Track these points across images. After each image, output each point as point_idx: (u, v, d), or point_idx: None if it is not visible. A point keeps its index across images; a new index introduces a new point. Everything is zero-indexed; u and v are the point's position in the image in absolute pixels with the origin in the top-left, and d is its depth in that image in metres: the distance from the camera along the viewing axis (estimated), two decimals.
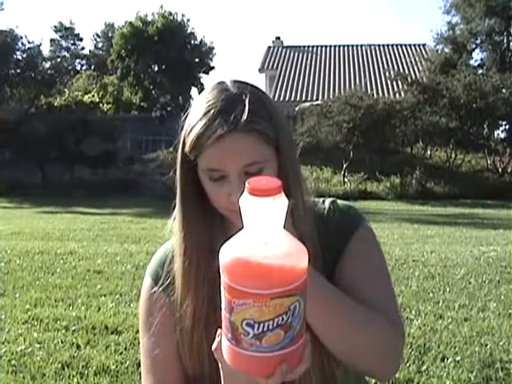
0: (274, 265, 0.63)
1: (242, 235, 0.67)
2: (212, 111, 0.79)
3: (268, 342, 0.65)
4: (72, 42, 36.17)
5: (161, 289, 0.92)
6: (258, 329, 0.64)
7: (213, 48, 25.18)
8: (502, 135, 17.26)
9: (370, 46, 24.51)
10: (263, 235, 0.65)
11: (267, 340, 0.65)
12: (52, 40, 35.08)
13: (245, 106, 0.80)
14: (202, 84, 24.96)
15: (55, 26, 35.68)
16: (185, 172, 0.85)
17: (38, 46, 20.56)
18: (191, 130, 0.81)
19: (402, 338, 0.88)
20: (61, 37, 35.99)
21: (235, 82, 0.84)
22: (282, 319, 0.64)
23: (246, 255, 0.64)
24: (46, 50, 30.03)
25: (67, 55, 35.22)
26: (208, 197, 0.84)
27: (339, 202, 0.97)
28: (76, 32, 36.36)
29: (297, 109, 17.65)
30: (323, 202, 0.96)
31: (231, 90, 0.82)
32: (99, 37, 36.36)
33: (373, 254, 0.93)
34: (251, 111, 0.79)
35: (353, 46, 24.78)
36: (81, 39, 36.46)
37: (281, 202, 0.64)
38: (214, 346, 0.73)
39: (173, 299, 0.90)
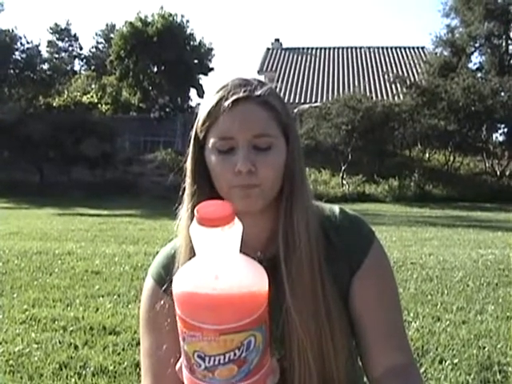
0: (223, 299, 0.60)
1: (194, 265, 0.64)
2: (228, 86, 0.83)
3: (221, 376, 0.62)
4: (69, 43, 36.25)
5: (163, 289, 0.92)
6: (209, 362, 0.62)
7: (212, 49, 25.13)
8: (501, 138, 17.42)
9: (368, 48, 24.58)
10: (214, 267, 0.62)
11: (220, 374, 0.62)
12: (49, 42, 35.17)
13: (259, 84, 0.85)
14: (200, 85, 24.96)
15: (51, 28, 35.79)
16: (196, 153, 0.87)
17: (37, 46, 20.65)
18: (206, 104, 0.85)
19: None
20: (57, 38, 36.07)
21: (250, 77, 0.89)
22: (235, 354, 0.61)
23: (194, 288, 0.61)
24: (44, 51, 30.08)
25: (65, 56, 35.27)
26: (215, 181, 0.85)
27: (347, 210, 0.97)
28: (73, 33, 36.53)
29: (295, 111, 17.69)
30: (330, 208, 0.96)
31: (246, 77, 0.87)
32: (100, 37, 36.47)
33: (388, 279, 0.94)
34: (267, 90, 0.84)
35: (352, 48, 24.84)
36: (77, 39, 36.55)
37: (232, 232, 0.61)
38: (177, 367, 0.72)
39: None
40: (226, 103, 0.81)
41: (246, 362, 0.62)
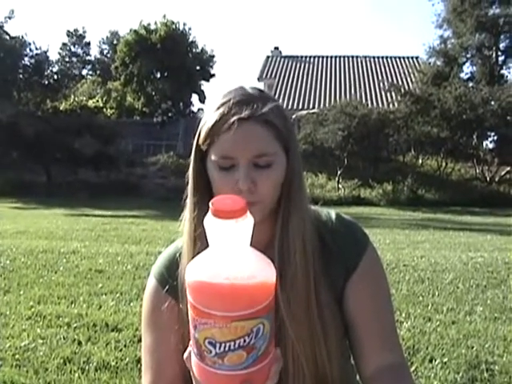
0: (235, 288, 0.62)
1: (207, 255, 0.66)
2: (230, 102, 0.82)
3: (230, 362, 0.64)
4: (81, 49, 36.70)
5: (165, 289, 0.94)
6: (220, 348, 0.64)
7: (213, 56, 25.20)
8: (491, 145, 17.44)
9: (365, 57, 24.72)
10: (226, 257, 0.63)
11: (229, 359, 0.64)
12: (64, 44, 35.58)
13: (262, 101, 0.84)
14: (202, 91, 25.15)
15: (68, 31, 36.26)
16: (197, 165, 0.88)
17: (45, 52, 20.85)
18: (207, 119, 0.84)
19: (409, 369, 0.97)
20: (72, 43, 36.54)
21: (253, 87, 0.88)
22: (244, 341, 0.63)
23: (208, 277, 0.63)
24: (53, 55, 30.19)
25: (74, 60, 35.65)
26: (215, 194, 0.85)
27: (343, 215, 0.98)
28: (87, 40, 36.95)
29: (294, 116, 17.66)
30: (327, 213, 0.97)
31: (249, 90, 0.86)
32: (105, 43, 36.95)
33: (381, 282, 0.95)
34: (268, 107, 0.83)
35: (349, 57, 24.98)
36: (90, 47, 37.09)
37: (245, 224, 0.63)
38: (185, 356, 0.74)
39: (178, 299, 0.91)
40: (228, 123, 0.80)
41: (254, 349, 0.64)
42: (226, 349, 0.64)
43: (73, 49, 36.63)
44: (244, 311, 0.62)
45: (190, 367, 0.72)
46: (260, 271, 0.65)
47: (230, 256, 0.64)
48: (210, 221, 0.63)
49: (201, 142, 0.85)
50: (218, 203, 0.63)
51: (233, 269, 0.63)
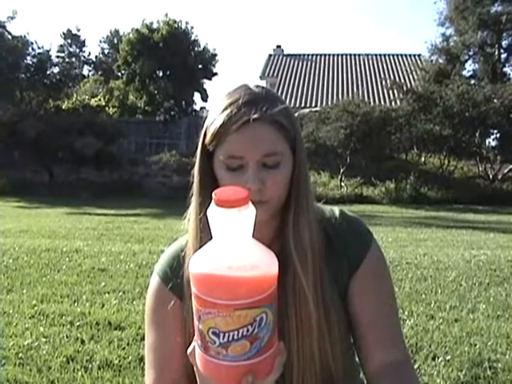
0: (238, 277, 0.63)
1: (210, 246, 0.67)
2: (237, 103, 0.82)
3: (234, 352, 0.65)
4: (79, 49, 36.94)
5: (169, 287, 0.94)
6: (224, 338, 0.64)
7: (216, 55, 25.33)
8: (493, 143, 17.36)
9: (367, 55, 24.84)
10: (229, 246, 0.64)
11: (233, 350, 0.65)
12: (60, 46, 35.85)
13: (268, 101, 0.84)
14: (204, 89, 25.32)
15: (64, 33, 36.51)
16: (203, 165, 0.87)
17: (48, 51, 20.93)
18: (214, 120, 0.83)
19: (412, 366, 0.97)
20: (69, 44, 36.76)
21: (257, 85, 0.88)
22: (248, 330, 0.64)
23: (211, 266, 0.64)
24: (54, 55, 30.45)
25: (74, 61, 35.85)
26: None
27: (347, 211, 0.99)
28: (82, 38, 37.26)
29: (296, 115, 17.85)
30: (331, 210, 0.98)
31: (254, 89, 0.86)
32: (105, 43, 37.13)
33: (385, 279, 0.96)
34: (274, 106, 0.83)
35: (351, 55, 25.06)
36: (85, 45, 37.34)
37: (247, 213, 0.64)
38: (189, 350, 0.74)
39: (182, 298, 0.91)
40: (237, 125, 0.80)
41: (257, 339, 0.65)
42: (230, 338, 0.64)
43: (70, 49, 36.84)
44: (246, 300, 0.63)
45: (193, 362, 0.73)
46: (262, 261, 0.66)
47: (233, 245, 0.64)
48: (213, 211, 0.64)
49: (207, 142, 0.85)
50: (221, 193, 0.64)
51: (235, 257, 0.64)
